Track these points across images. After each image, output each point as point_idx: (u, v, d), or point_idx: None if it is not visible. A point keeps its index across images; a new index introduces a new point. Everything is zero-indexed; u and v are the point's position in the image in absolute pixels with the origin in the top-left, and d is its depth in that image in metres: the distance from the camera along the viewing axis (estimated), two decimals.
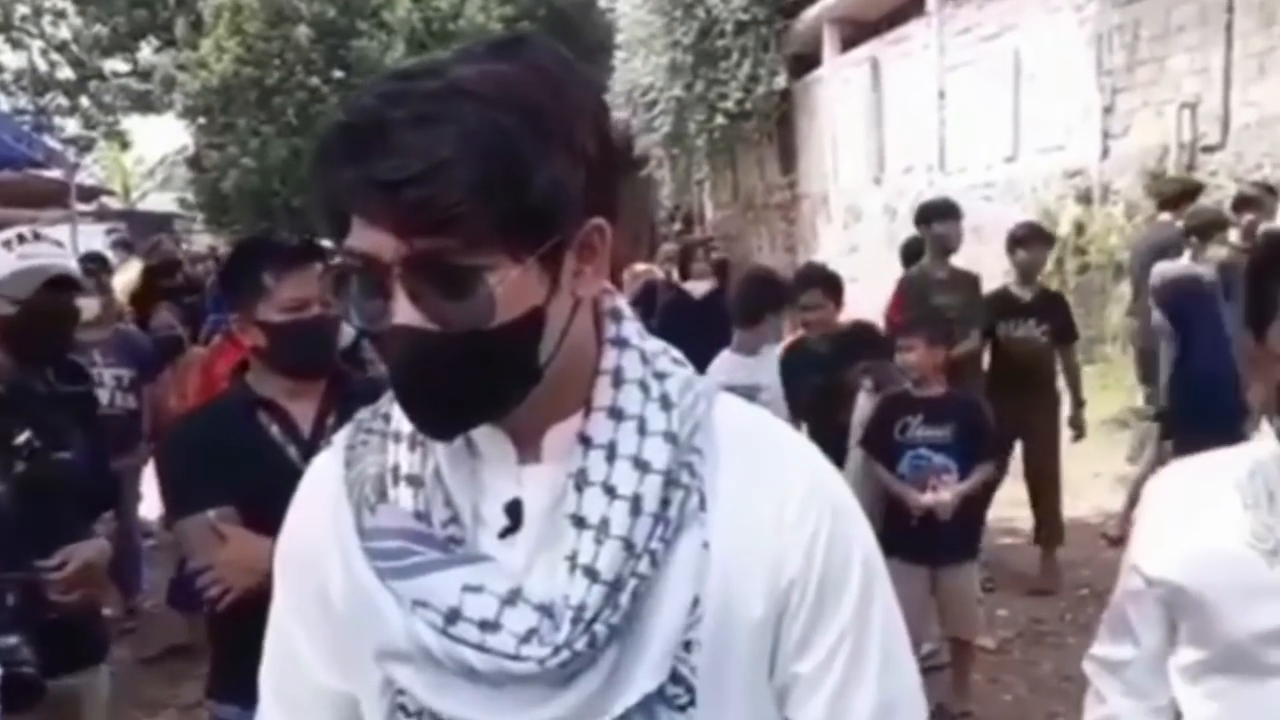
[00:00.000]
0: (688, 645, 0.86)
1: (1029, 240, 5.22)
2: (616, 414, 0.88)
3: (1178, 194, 6.26)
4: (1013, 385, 4.89)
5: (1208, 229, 5.12)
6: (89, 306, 4.29)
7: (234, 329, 2.20)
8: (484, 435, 0.89)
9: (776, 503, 0.90)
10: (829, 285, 4.40)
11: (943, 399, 3.87)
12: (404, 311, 0.79)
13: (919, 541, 3.72)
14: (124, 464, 4.46)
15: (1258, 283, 1.26)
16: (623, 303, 0.95)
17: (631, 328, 0.93)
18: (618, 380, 0.89)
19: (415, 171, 0.74)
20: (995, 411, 4.19)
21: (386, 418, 0.93)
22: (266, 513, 1.03)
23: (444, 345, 0.80)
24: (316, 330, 2.08)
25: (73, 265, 2.36)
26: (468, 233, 0.76)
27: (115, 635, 3.96)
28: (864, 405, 4.09)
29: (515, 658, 0.83)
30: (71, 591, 2.25)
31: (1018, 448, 5.10)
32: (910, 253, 5.86)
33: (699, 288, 6.22)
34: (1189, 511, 1.28)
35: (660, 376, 0.91)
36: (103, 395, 4.34)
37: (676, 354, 0.95)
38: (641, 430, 0.87)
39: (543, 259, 0.80)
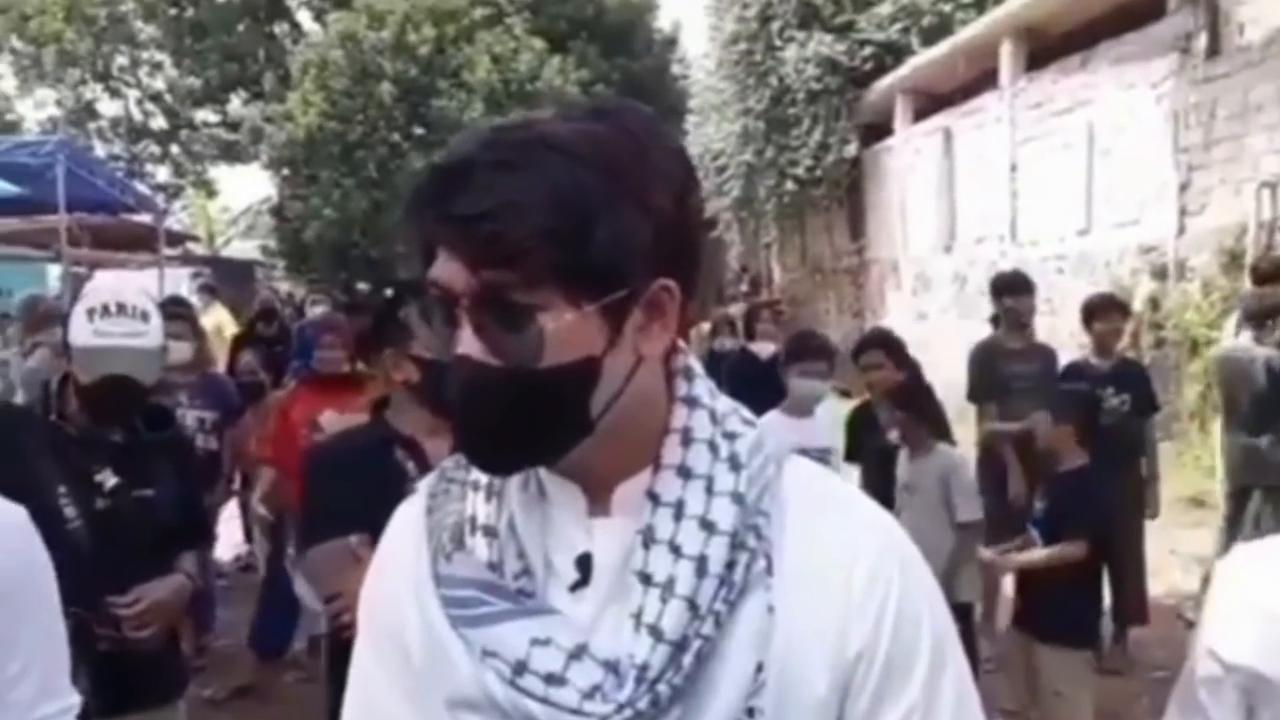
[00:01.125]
0: (750, 712, 0.85)
1: (1104, 310, 5.18)
2: (685, 473, 0.88)
3: (1274, 271, 6.17)
4: (1097, 458, 4.84)
5: (1268, 314, 5.05)
6: (180, 350, 4.45)
7: (388, 363, 2.31)
8: (556, 486, 0.91)
9: (844, 570, 0.89)
10: (889, 347, 4.44)
11: (1054, 478, 3.87)
12: (466, 342, 0.83)
13: (1022, 610, 3.81)
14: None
15: None
16: (694, 362, 0.95)
17: (703, 386, 0.93)
18: (687, 439, 0.90)
19: (489, 208, 0.79)
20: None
21: (467, 467, 0.95)
22: None
23: (496, 379, 0.83)
24: None
25: (145, 345, 2.34)
26: (529, 271, 0.80)
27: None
28: (902, 464, 4.09)
29: (578, 713, 0.83)
30: (143, 628, 2.30)
31: None
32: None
33: (765, 349, 6.24)
34: (1268, 595, 1.24)
35: (730, 437, 0.91)
36: None
37: (747, 414, 0.95)
38: (709, 490, 0.88)
39: (604, 311, 0.82)
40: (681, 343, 0.94)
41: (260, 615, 4.87)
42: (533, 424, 0.84)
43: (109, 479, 2.35)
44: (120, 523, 2.32)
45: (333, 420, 3.79)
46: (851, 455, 4.51)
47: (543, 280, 0.80)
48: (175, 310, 4.74)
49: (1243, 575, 1.32)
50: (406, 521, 0.99)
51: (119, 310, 2.31)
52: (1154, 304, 9.05)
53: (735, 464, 0.89)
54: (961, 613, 3.75)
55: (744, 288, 18.37)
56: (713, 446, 0.90)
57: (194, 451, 3.36)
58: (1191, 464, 7.75)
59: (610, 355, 0.84)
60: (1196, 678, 1.33)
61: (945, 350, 6.77)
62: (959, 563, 3.87)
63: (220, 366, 6.38)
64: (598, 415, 0.85)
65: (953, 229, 13.37)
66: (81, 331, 2.30)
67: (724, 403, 0.94)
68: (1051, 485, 3.86)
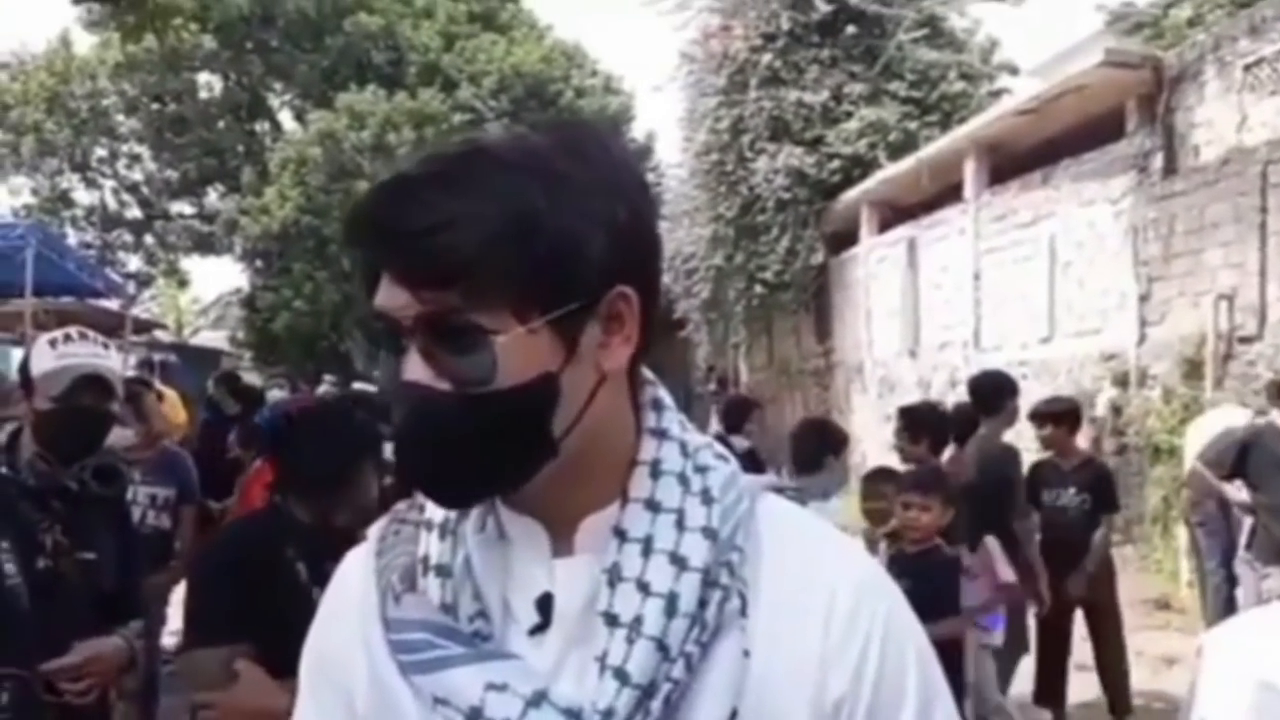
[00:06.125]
0: None
1: (1055, 416, 5.31)
2: (654, 506, 0.84)
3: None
4: (1064, 554, 4.88)
5: None
6: (123, 436, 4.31)
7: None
8: (516, 525, 0.86)
9: (823, 612, 0.83)
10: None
11: (910, 557, 3.76)
12: (414, 368, 0.79)
13: None
14: (151, 584, 4.43)
15: None
16: (664, 393, 0.90)
17: (673, 418, 0.88)
18: (656, 472, 0.85)
19: (427, 224, 0.76)
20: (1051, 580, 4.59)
21: (421, 508, 0.90)
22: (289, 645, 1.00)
23: (450, 404, 0.78)
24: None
25: (109, 365, 2.38)
26: (475, 288, 0.76)
27: None
28: None
29: None
30: (79, 682, 2.20)
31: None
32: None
33: (741, 444, 6.23)
34: (1259, 664, 1.25)
35: (702, 470, 0.86)
36: (134, 513, 4.32)
37: (720, 449, 0.91)
38: (680, 525, 0.83)
39: (557, 325, 0.78)
40: (650, 374, 0.90)
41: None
42: (491, 449, 0.80)
43: (52, 537, 2.27)
44: (60, 584, 2.24)
45: None
46: None
47: (490, 296, 0.77)
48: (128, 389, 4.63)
49: (1235, 644, 1.32)
50: (354, 567, 0.93)
51: (80, 337, 2.37)
52: (1116, 411, 9.16)
53: (708, 498, 0.84)
54: None
55: (712, 386, 18.45)
56: (683, 480, 0.85)
57: (131, 520, 3.27)
58: (1154, 567, 7.81)
59: (568, 371, 0.80)
60: None
61: None
62: None
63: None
64: (560, 435, 0.81)
65: (917, 334, 13.55)
66: (44, 358, 2.31)
67: (696, 436, 0.89)
68: (910, 564, 3.64)
